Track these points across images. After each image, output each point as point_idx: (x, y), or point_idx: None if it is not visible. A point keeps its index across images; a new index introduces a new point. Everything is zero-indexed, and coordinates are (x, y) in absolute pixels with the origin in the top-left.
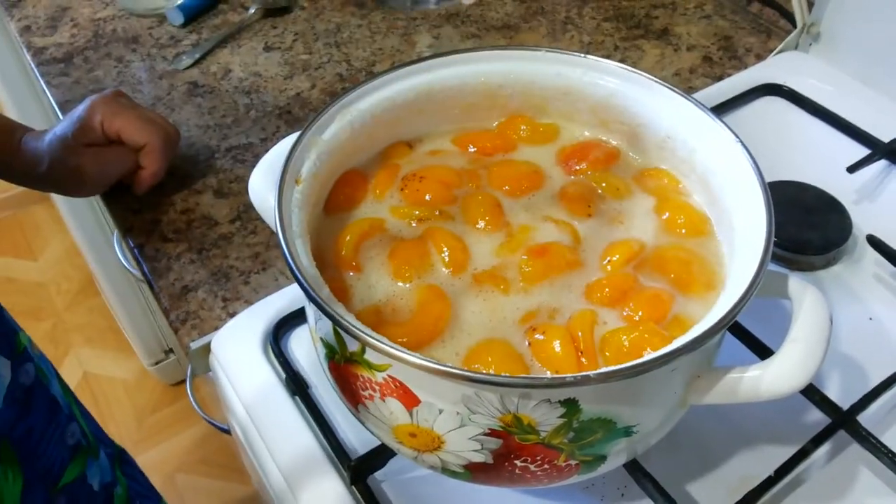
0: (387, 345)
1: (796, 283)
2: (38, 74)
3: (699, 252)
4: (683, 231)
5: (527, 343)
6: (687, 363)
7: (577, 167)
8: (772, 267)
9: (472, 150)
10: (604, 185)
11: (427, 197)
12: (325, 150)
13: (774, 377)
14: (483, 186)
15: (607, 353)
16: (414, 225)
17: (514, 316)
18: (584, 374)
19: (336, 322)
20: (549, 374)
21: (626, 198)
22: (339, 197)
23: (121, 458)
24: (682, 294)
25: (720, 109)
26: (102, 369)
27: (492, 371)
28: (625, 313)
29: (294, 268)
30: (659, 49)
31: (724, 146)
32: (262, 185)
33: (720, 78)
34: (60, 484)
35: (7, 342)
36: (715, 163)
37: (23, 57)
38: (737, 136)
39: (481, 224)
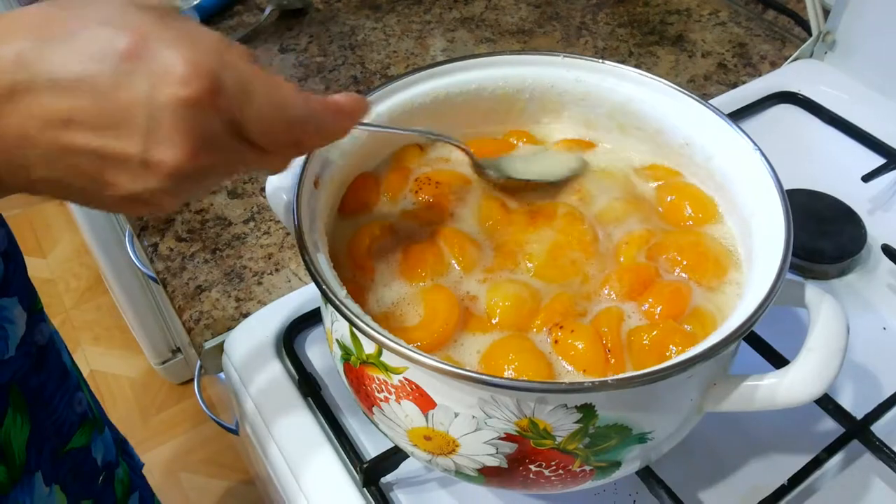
0: (404, 347)
1: (813, 292)
2: None
3: (710, 237)
4: (691, 217)
5: (550, 340)
6: (703, 371)
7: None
8: (787, 275)
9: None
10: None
11: (439, 200)
12: (343, 153)
13: (791, 386)
14: (491, 189)
15: (632, 352)
16: (426, 227)
17: (533, 310)
18: (601, 379)
19: (353, 324)
20: (571, 374)
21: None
22: (352, 200)
23: (123, 447)
24: (698, 284)
25: (735, 117)
26: (109, 367)
27: (513, 370)
28: (645, 308)
29: (312, 270)
30: (673, 55)
31: (743, 154)
32: (279, 187)
33: (735, 85)
34: (67, 447)
35: (28, 296)
36: (733, 170)
37: None
38: (755, 145)
39: (489, 224)
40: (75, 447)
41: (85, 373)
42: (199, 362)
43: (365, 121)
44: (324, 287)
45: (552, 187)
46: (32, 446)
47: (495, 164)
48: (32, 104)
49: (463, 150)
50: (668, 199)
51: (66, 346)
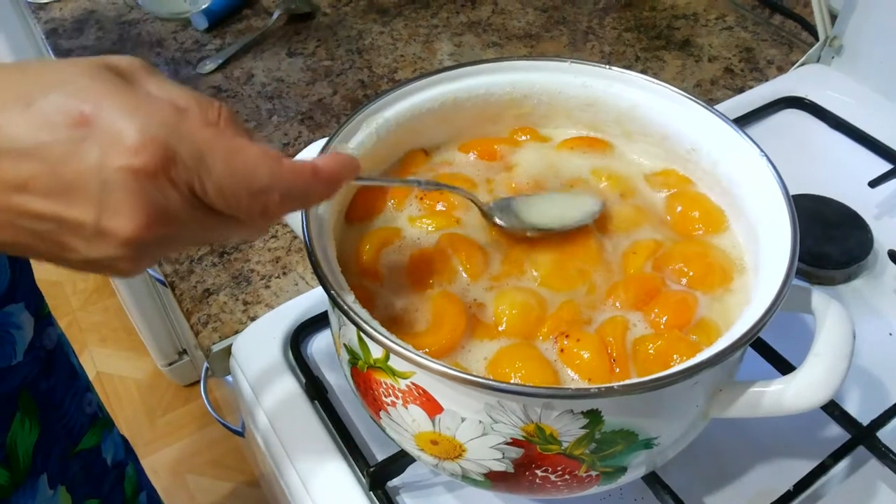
0: (411, 352)
1: (820, 298)
2: None
3: (718, 248)
4: (700, 228)
5: (556, 348)
6: (709, 377)
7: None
8: (793, 281)
9: (472, 157)
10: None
11: (445, 206)
12: None
13: (797, 392)
14: (496, 192)
15: (637, 361)
16: (433, 233)
17: (539, 318)
18: (607, 385)
19: (361, 329)
20: (576, 383)
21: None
22: (359, 206)
23: (127, 447)
24: (704, 293)
25: (741, 121)
26: (116, 369)
27: (519, 377)
28: (651, 317)
29: (321, 275)
30: (680, 60)
31: (749, 160)
32: None
33: (741, 90)
34: (78, 448)
35: (35, 301)
36: (739, 175)
37: (49, 60)
38: (762, 151)
39: (495, 231)
40: (86, 448)
41: (91, 374)
42: (205, 364)
43: (374, 126)
44: (332, 292)
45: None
46: (40, 450)
47: (506, 206)
48: None
49: (469, 198)
50: (678, 209)
51: (72, 349)
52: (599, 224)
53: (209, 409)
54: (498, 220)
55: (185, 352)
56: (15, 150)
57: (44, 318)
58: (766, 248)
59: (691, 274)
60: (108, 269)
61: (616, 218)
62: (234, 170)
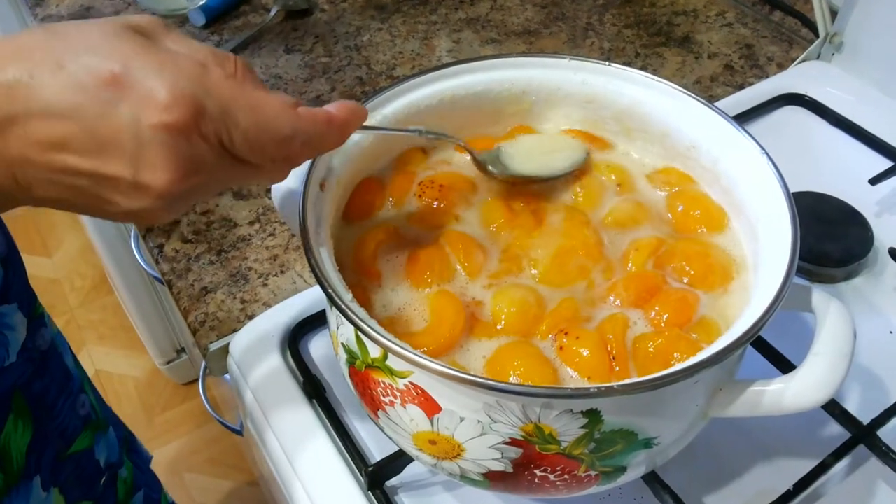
0: (409, 352)
1: (820, 297)
2: None
3: (719, 248)
4: (700, 227)
5: (555, 346)
6: (709, 376)
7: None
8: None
9: (469, 156)
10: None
11: (443, 203)
12: (349, 156)
13: (798, 391)
14: (495, 190)
15: (637, 360)
16: (431, 231)
17: (538, 316)
18: (607, 385)
19: (359, 328)
20: (576, 381)
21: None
22: (357, 204)
23: (129, 444)
24: (705, 292)
25: (741, 119)
26: (114, 367)
27: (518, 375)
28: (651, 315)
29: (318, 273)
30: (680, 56)
31: (749, 157)
32: (285, 189)
33: (741, 86)
34: (71, 450)
35: (28, 301)
36: (739, 173)
37: None
38: (762, 148)
39: (494, 227)
40: (78, 450)
41: (90, 373)
42: (203, 363)
43: (372, 124)
44: (329, 291)
45: (557, 181)
46: (33, 451)
47: (495, 156)
48: (30, 130)
49: (462, 146)
50: (679, 207)
51: (69, 348)
52: (600, 219)
53: (207, 407)
54: (490, 169)
55: (183, 350)
56: (51, 111)
57: (37, 318)
58: (766, 246)
59: (692, 272)
60: (144, 218)
61: (616, 213)
62: (258, 121)
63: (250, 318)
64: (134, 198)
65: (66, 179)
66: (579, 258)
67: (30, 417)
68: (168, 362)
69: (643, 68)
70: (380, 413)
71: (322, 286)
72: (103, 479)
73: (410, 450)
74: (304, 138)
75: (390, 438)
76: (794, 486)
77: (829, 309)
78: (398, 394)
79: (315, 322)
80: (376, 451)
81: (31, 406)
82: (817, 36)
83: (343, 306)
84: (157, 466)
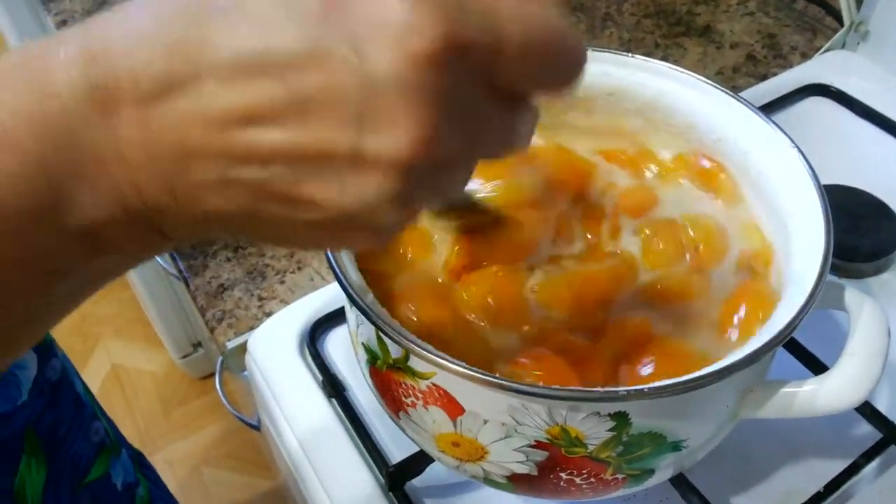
0: (432, 353)
1: (853, 295)
2: None
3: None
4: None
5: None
6: (741, 378)
7: None
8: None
9: None
10: None
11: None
12: None
13: (831, 392)
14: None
15: None
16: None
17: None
18: (636, 388)
19: (380, 329)
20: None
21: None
22: None
23: (139, 461)
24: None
25: (765, 110)
26: (131, 361)
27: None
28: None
29: (338, 272)
30: (701, 47)
31: (779, 151)
32: None
33: (764, 77)
34: (86, 480)
35: None
36: (769, 167)
37: None
38: (792, 141)
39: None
40: (94, 478)
41: (107, 367)
42: (220, 358)
43: None
44: (349, 290)
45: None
46: (50, 487)
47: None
48: (194, 102)
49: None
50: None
51: (76, 372)
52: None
53: (225, 403)
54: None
55: (199, 344)
56: (233, 67)
57: (46, 350)
58: (798, 243)
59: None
60: (356, 227)
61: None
62: (528, 21)
63: (268, 315)
64: (351, 183)
65: (246, 174)
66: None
67: (43, 455)
68: (184, 356)
69: (663, 59)
70: (401, 414)
71: (342, 285)
72: (122, 501)
73: (433, 451)
74: (575, 42)
75: (412, 439)
76: (825, 487)
77: (862, 307)
78: (420, 395)
79: (334, 319)
80: (396, 450)
81: (43, 442)
82: (842, 24)
83: (364, 306)
84: (175, 461)
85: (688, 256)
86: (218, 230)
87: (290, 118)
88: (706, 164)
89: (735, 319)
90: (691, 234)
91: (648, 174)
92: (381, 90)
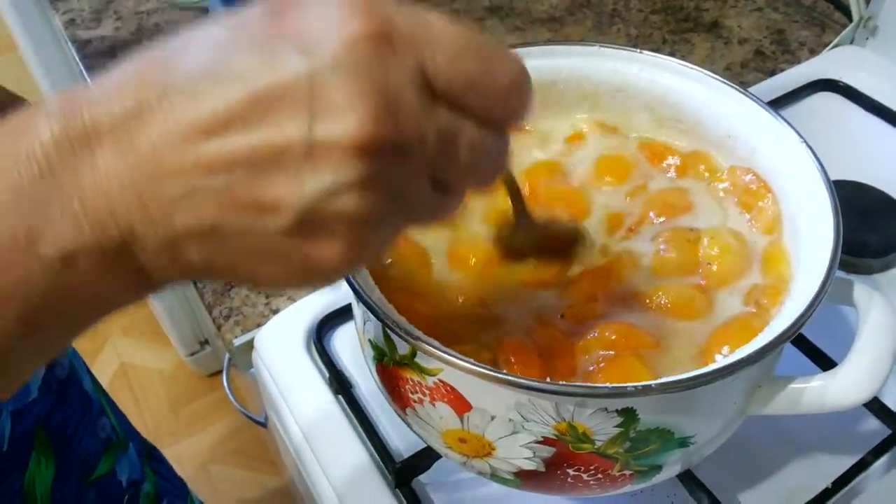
0: (439, 349)
1: (862, 291)
2: (82, 68)
3: None
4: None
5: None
6: (749, 373)
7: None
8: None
9: None
10: None
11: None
12: None
13: (840, 389)
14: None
15: None
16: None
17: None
18: (644, 384)
19: (387, 325)
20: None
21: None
22: None
23: (150, 455)
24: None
25: (774, 105)
26: (139, 359)
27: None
28: None
29: None
30: (709, 42)
31: (787, 146)
32: None
33: (773, 72)
34: (93, 476)
35: None
36: (777, 163)
37: (67, 50)
38: (801, 137)
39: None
40: (101, 474)
41: (115, 365)
42: (227, 355)
43: None
44: (356, 287)
45: None
46: (58, 484)
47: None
48: (165, 118)
49: None
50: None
51: (86, 368)
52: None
53: (232, 400)
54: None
55: (207, 342)
56: (193, 81)
57: None
58: (807, 239)
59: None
60: (332, 235)
61: None
62: (460, 44)
63: (275, 312)
64: (310, 175)
65: (214, 182)
66: None
67: (52, 452)
68: (192, 354)
69: (671, 55)
70: (408, 410)
71: (348, 281)
72: (126, 498)
73: (440, 448)
74: (525, 80)
75: (419, 436)
76: (833, 483)
77: (871, 303)
78: (427, 391)
79: (341, 316)
80: (403, 447)
81: (52, 440)
82: (850, 20)
83: (370, 302)
84: (183, 459)
85: (700, 272)
86: (193, 255)
87: (250, 122)
88: (753, 183)
89: (717, 357)
90: (710, 250)
91: (691, 180)
92: (326, 79)
